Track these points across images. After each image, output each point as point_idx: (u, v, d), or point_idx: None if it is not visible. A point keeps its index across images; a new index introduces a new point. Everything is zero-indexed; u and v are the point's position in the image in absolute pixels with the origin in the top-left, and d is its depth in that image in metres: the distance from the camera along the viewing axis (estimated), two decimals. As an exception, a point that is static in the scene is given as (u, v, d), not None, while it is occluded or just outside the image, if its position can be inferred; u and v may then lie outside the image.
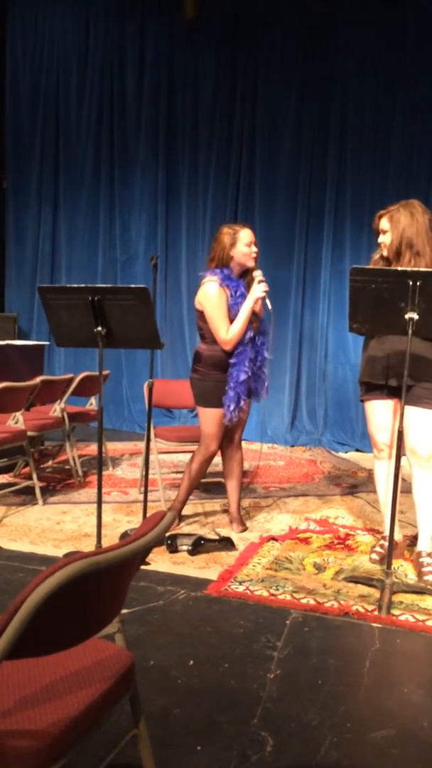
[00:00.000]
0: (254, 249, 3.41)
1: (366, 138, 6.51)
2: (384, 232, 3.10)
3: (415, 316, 2.66)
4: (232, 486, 3.69)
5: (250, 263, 3.41)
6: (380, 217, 3.13)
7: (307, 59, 6.60)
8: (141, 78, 7.12)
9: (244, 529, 3.64)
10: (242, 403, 3.41)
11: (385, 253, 3.12)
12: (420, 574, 3.03)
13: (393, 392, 3.13)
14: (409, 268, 2.78)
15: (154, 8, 6.96)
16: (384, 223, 3.10)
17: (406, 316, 2.66)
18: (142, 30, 7.05)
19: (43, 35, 7.38)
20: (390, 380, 3.10)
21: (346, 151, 6.60)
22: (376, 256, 3.22)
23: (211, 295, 3.38)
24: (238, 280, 3.43)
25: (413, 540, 3.42)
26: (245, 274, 3.47)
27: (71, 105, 7.36)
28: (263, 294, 3.37)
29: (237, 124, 6.89)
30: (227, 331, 3.38)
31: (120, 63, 7.15)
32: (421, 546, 3.13)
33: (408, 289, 2.63)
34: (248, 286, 3.43)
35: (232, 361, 3.39)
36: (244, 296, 3.39)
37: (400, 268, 2.95)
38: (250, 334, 3.41)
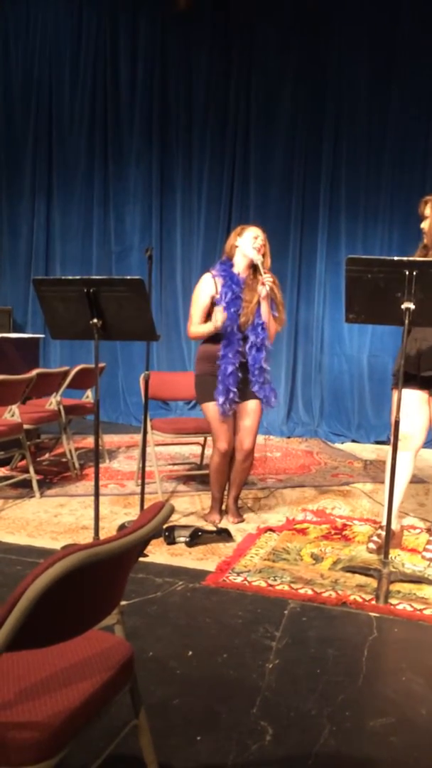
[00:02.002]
0: (260, 241, 3.41)
1: (360, 129, 6.50)
2: (425, 218, 3.08)
3: (412, 306, 2.65)
4: (233, 480, 3.67)
5: (252, 252, 3.39)
6: (426, 202, 3.10)
7: (301, 50, 6.57)
8: (134, 69, 7.07)
9: (240, 520, 3.65)
10: (232, 395, 3.40)
11: (426, 240, 3.11)
12: (423, 549, 3.16)
13: (425, 384, 3.12)
14: (405, 258, 2.77)
15: (147, -1, 6.91)
16: (426, 209, 3.08)
17: (403, 306, 2.66)
18: (135, 21, 7.00)
19: (35, 27, 7.32)
20: (423, 371, 3.09)
21: (340, 142, 6.59)
22: (422, 245, 3.17)
23: (198, 285, 3.50)
24: (235, 275, 3.42)
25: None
26: (251, 272, 3.45)
27: (64, 97, 7.31)
28: (265, 295, 3.39)
29: (231, 115, 6.86)
30: (194, 326, 3.48)
31: (113, 54, 7.10)
32: None
33: (404, 278, 2.62)
34: (252, 283, 3.42)
35: (219, 353, 3.40)
36: (234, 292, 3.37)
37: (395, 257, 2.95)
38: (240, 334, 3.40)
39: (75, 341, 6.75)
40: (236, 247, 3.45)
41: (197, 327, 3.48)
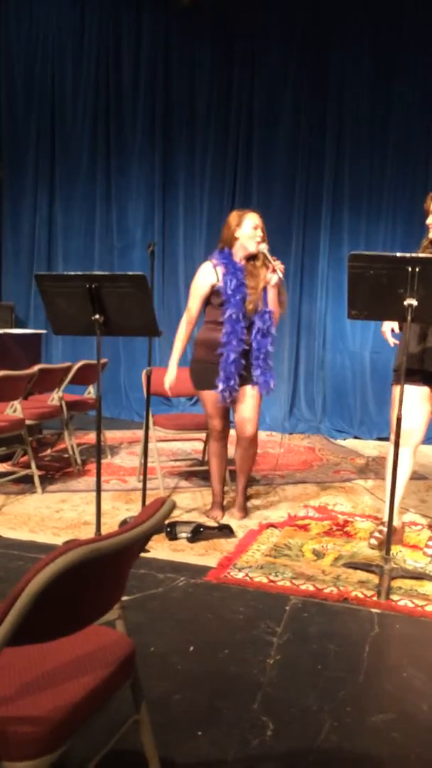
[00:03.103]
0: (259, 233, 3.40)
1: (363, 125, 6.47)
2: (429, 214, 3.09)
3: (414, 303, 2.65)
4: (239, 468, 3.66)
5: (252, 246, 3.39)
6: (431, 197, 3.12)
7: (304, 46, 6.54)
8: (137, 65, 7.05)
9: (244, 516, 3.64)
10: (233, 383, 3.40)
11: (430, 235, 3.12)
12: (425, 546, 3.17)
13: (427, 380, 3.12)
14: (408, 254, 2.76)
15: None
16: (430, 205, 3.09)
17: (405, 303, 2.65)
18: (138, 17, 6.97)
19: (38, 23, 7.29)
20: (426, 365, 3.09)
21: (343, 137, 6.56)
22: (425, 242, 3.19)
23: (198, 273, 3.50)
24: (236, 264, 3.41)
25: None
26: (250, 259, 3.44)
27: (67, 93, 7.28)
28: (276, 281, 3.41)
29: (234, 111, 6.84)
30: (188, 318, 3.52)
31: (115, 50, 7.07)
32: None
33: (407, 275, 2.62)
34: (254, 270, 3.42)
35: (222, 340, 3.39)
36: (238, 279, 3.36)
37: (399, 254, 2.95)
38: (244, 322, 3.38)
39: (77, 337, 6.74)
40: (236, 239, 3.42)
41: (183, 332, 3.53)
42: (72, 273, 2.93)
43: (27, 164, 7.45)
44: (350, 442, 6.24)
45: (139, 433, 4.99)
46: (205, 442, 4.77)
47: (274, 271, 3.38)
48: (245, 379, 3.48)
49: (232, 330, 3.38)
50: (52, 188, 7.44)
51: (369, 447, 6.00)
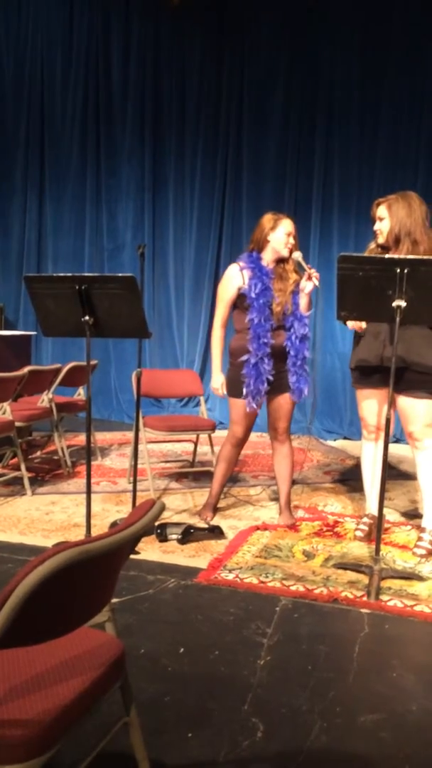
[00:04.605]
0: (292, 240, 3.39)
1: (353, 125, 6.49)
2: (381, 219, 3.16)
3: (403, 304, 2.66)
4: (280, 478, 3.63)
5: (285, 252, 3.38)
6: (378, 204, 3.19)
7: (293, 47, 6.56)
8: (126, 65, 7.05)
9: (293, 522, 3.58)
10: (253, 387, 3.34)
11: (380, 240, 3.16)
12: (414, 546, 3.20)
13: (385, 379, 3.15)
14: (396, 256, 2.79)
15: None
16: (382, 211, 3.16)
17: (394, 304, 2.67)
18: (127, 17, 6.97)
19: (27, 22, 7.27)
20: (384, 362, 3.12)
21: (333, 139, 6.58)
22: (372, 245, 3.26)
23: (224, 275, 3.49)
24: (263, 267, 3.38)
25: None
26: (279, 263, 3.43)
27: (56, 93, 7.27)
28: (311, 289, 3.39)
29: (224, 112, 6.85)
30: (219, 322, 3.50)
31: (105, 50, 7.06)
32: (425, 523, 3.26)
33: (395, 276, 2.63)
34: (284, 273, 3.41)
35: (248, 347, 3.36)
36: (264, 283, 3.34)
37: (387, 256, 2.97)
38: (271, 323, 3.36)
39: (67, 338, 6.72)
40: (268, 241, 3.39)
41: (217, 337, 3.51)
42: (61, 274, 2.93)
43: (16, 165, 7.43)
44: (340, 443, 6.26)
45: (130, 435, 4.98)
46: (195, 443, 4.78)
47: (309, 278, 3.37)
48: (279, 387, 3.44)
49: (255, 334, 3.34)
50: (41, 189, 7.42)
51: (359, 448, 5.99)
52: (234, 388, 3.45)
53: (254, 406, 3.40)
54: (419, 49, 6.19)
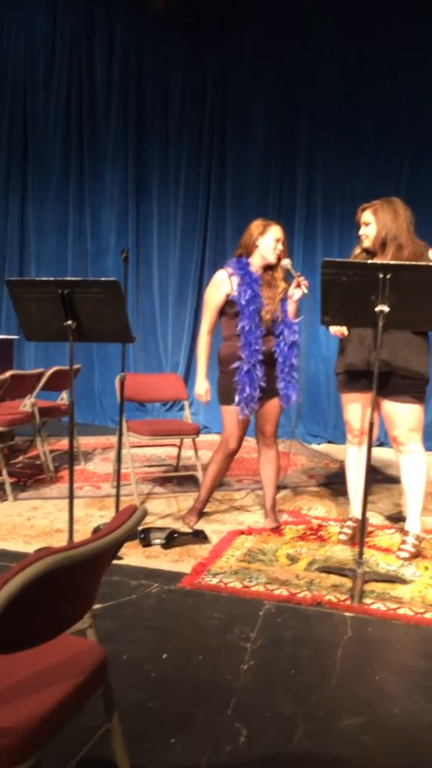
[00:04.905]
0: (280, 246, 3.39)
1: (337, 131, 6.53)
2: (367, 224, 3.19)
3: (386, 309, 2.68)
4: (266, 482, 3.65)
5: (272, 258, 3.38)
6: (363, 209, 3.22)
7: (276, 52, 6.59)
8: (109, 70, 7.05)
9: (277, 525, 3.59)
10: (246, 394, 3.34)
11: (365, 244, 3.20)
12: (398, 549, 3.22)
13: (369, 384, 3.17)
14: (380, 261, 2.81)
15: (122, 0, 6.88)
16: (368, 216, 3.19)
17: (377, 309, 2.69)
18: (110, 21, 6.98)
19: (9, 26, 7.26)
20: (371, 367, 3.14)
21: (316, 144, 6.62)
22: (357, 250, 3.29)
23: (212, 281, 3.47)
24: (252, 274, 3.38)
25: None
26: (267, 269, 3.44)
27: (39, 96, 7.25)
28: (300, 296, 3.40)
29: (207, 117, 6.87)
30: (206, 328, 3.48)
31: (88, 55, 7.06)
32: (408, 526, 3.28)
33: (378, 281, 2.65)
34: (272, 281, 3.42)
35: (238, 354, 3.35)
36: (253, 290, 3.34)
37: (370, 261, 3.00)
38: (261, 330, 3.36)
39: (50, 343, 6.69)
40: (257, 246, 3.39)
41: (204, 343, 3.49)
42: (44, 279, 2.91)
43: (-1, 167, 7.40)
44: (324, 447, 6.28)
45: (113, 439, 4.96)
46: (179, 448, 4.77)
47: (298, 286, 3.37)
48: (268, 391, 3.44)
49: (246, 342, 3.34)
50: (24, 192, 7.39)
51: (343, 451, 6.00)
52: (226, 395, 3.43)
53: (247, 413, 3.40)
54: (400, 59, 6.25)
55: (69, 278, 3.04)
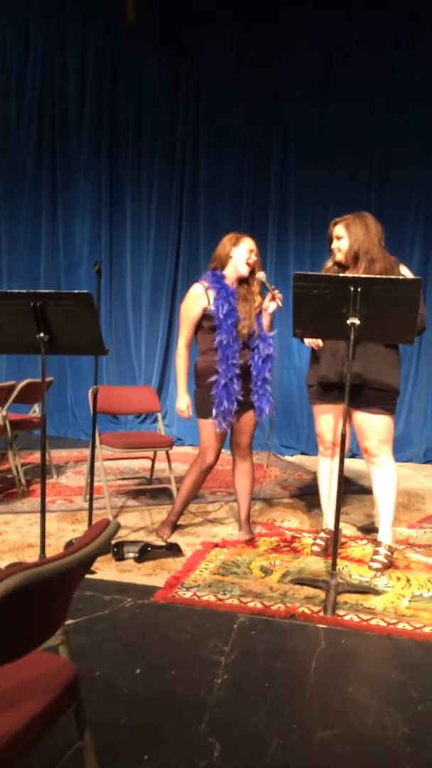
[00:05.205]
0: (254, 257, 3.41)
1: (309, 144, 6.59)
2: (339, 238, 3.23)
3: (357, 322, 2.71)
4: (241, 494, 3.64)
5: (244, 269, 3.39)
6: (335, 224, 3.26)
7: (250, 66, 6.66)
8: (83, 81, 7.05)
9: (251, 537, 3.58)
10: (224, 408, 3.33)
11: (338, 257, 3.23)
12: (370, 560, 3.23)
13: (342, 396, 3.20)
14: (351, 274, 2.85)
15: (96, 12, 6.90)
16: (340, 230, 3.23)
17: (348, 322, 2.72)
18: (84, 34, 6.98)
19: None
20: (344, 379, 3.17)
21: (289, 156, 6.69)
22: (329, 263, 3.32)
23: (188, 295, 3.44)
24: (228, 287, 3.38)
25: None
26: (242, 283, 3.45)
27: (11, 107, 7.21)
28: (274, 309, 3.43)
29: (180, 129, 6.90)
30: (184, 342, 3.47)
31: (62, 67, 7.05)
32: (381, 537, 3.31)
33: (349, 294, 2.69)
34: (248, 294, 3.44)
35: (216, 368, 3.35)
36: (230, 305, 3.34)
37: (341, 274, 3.04)
38: (238, 344, 3.36)
39: (22, 355, 6.63)
40: (231, 257, 3.40)
41: (182, 357, 3.48)
42: (16, 291, 2.89)
43: (-30, 179, 7.33)
44: (298, 458, 6.31)
45: (86, 452, 4.92)
46: (153, 460, 4.76)
47: (273, 299, 3.40)
48: (244, 404, 3.44)
49: (223, 355, 3.33)
50: (-5, 203, 7.33)
51: (315, 463, 6.06)
52: (203, 409, 3.42)
53: (224, 426, 3.39)
54: (373, 72, 6.35)
55: (41, 290, 3.03)
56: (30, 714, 1.22)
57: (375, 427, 3.23)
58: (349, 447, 3.56)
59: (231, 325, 3.34)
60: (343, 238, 3.21)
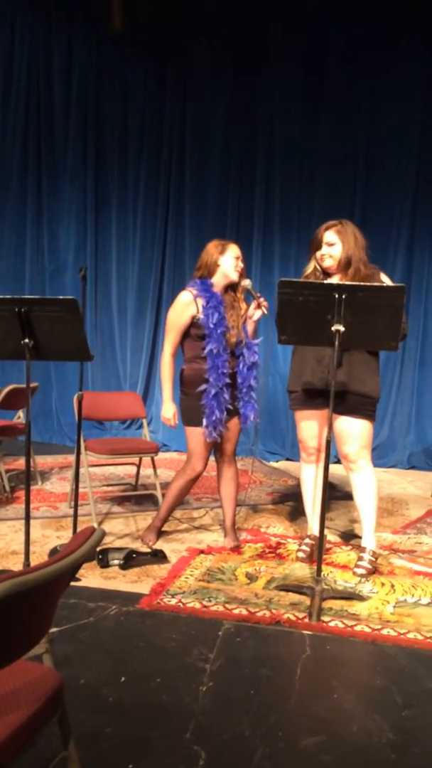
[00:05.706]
0: (240, 264, 3.42)
1: (293, 150, 6.63)
2: (331, 245, 3.22)
3: (342, 328, 2.73)
4: (226, 500, 3.63)
5: (234, 275, 3.40)
6: (327, 228, 3.25)
7: (235, 73, 6.69)
8: (68, 87, 7.04)
9: (237, 544, 3.58)
10: (215, 417, 3.32)
11: (327, 263, 3.23)
12: (355, 566, 3.24)
13: (325, 402, 3.21)
14: (336, 282, 2.86)
15: (81, 19, 6.90)
16: (332, 237, 3.22)
17: (333, 329, 2.73)
18: (69, 40, 6.98)
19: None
20: (329, 386, 3.18)
21: (274, 162, 6.71)
22: (309, 269, 3.32)
23: (176, 302, 3.41)
24: (218, 296, 3.37)
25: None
26: (228, 291, 3.45)
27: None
28: (259, 317, 3.44)
29: (166, 134, 6.91)
30: (170, 350, 3.45)
31: (47, 72, 7.04)
32: (364, 543, 3.32)
33: (334, 301, 2.70)
34: (234, 302, 3.44)
35: (205, 376, 3.33)
36: (220, 313, 3.34)
37: (326, 281, 3.06)
38: (225, 356, 3.35)
39: (6, 361, 6.59)
40: (218, 266, 3.39)
41: (167, 365, 3.45)
42: (1, 296, 2.87)
43: None
44: (283, 464, 6.32)
45: (71, 458, 4.90)
46: (138, 466, 4.74)
47: (258, 306, 3.40)
48: (230, 412, 3.44)
49: (213, 365, 3.32)
50: (-20, 208, 7.29)
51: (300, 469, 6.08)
52: (191, 417, 3.40)
53: (215, 435, 3.38)
54: (357, 81, 6.41)
55: (26, 296, 3.02)
56: (14, 724, 1.21)
57: (357, 432, 3.24)
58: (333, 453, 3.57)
59: (221, 334, 3.34)
60: (335, 245, 3.21)
